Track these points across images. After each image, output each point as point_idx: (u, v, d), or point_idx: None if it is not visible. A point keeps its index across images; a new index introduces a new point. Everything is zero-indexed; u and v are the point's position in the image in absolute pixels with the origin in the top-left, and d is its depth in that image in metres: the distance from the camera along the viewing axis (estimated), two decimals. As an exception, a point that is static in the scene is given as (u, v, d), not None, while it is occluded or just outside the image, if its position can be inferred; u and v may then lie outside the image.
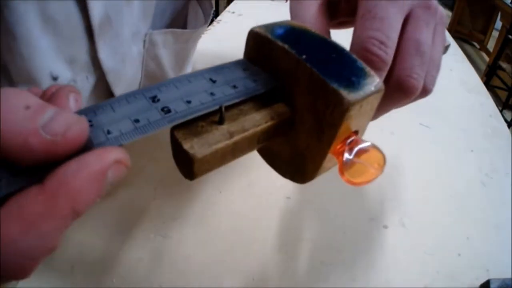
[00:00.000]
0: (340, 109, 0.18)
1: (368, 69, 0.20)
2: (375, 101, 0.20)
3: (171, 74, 0.49)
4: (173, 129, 0.18)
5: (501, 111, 1.92)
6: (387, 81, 0.22)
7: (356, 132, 0.21)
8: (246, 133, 0.19)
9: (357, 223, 0.42)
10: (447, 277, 0.37)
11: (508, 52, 2.40)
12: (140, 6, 0.36)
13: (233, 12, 0.87)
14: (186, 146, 0.18)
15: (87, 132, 0.15)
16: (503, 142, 0.56)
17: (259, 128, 0.19)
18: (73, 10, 0.30)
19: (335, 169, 0.21)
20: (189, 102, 0.18)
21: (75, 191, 0.14)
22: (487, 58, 2.80)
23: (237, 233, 0.40)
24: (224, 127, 0.19)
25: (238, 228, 0.40)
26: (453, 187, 0.47)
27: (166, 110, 0.17)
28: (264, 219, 0.41)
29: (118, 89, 0.38)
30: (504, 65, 2.35)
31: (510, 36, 2.29)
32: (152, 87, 0.18)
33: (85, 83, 0.35)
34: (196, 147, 0.18)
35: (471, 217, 0.44)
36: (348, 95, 0.18)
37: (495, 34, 2.76)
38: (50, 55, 0.30)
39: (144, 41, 0.40)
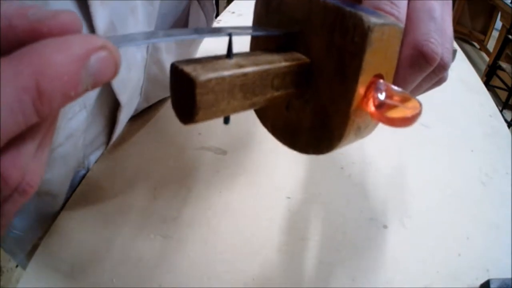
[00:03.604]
0: (361, 30, 0.17)
1: (382, 13, 0.19)
2: (396, 38, 0.19)
3: None
4: (173, 63, 0.16)
5: (501, 111, 1.92)
6: (403, 50, 0.23)
7: (381, 77, 0.19)
8: (258, 68, 0.17)
9: (357, 223, 0.42)
10: (447, 277, 0.37)
11: (508, 52, 2.40)
12: (144, 13, 0.36)
13: (233, 12, 0.87)
14: (188, 69, 0.15)
15: (79, 24, 0.13)
16: (503, 142, 0.56)
17: (273, 66, 0.18)
18: None
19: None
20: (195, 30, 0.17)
21: (45, 62, 0.11)
22: (487, 58, 2.80)
23: (237, 233, 0.40)
24: (233, 60, 0.17)
25: (238, 228, 0.40)
26: (453, 187, 0.47)
27: (168, 34, 0.16)
28: (264, 219, 0.41)
29: (123, 96, 0.38)
30: (504, 65, 2.35)
31: (510, 36, 2.29)
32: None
33: (90, 92, 0.35)
34: (200, 71, 0.15)
35: (471, 217, 0.44)
36: (368, 17, 0.17)
37: (495, 34, 2.76)
38: None
39: (148, 46, 0.40)
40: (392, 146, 0.52)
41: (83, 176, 0.44)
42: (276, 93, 0.19)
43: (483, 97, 0.66)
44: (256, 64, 0.17)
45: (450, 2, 0.26)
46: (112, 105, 0.40)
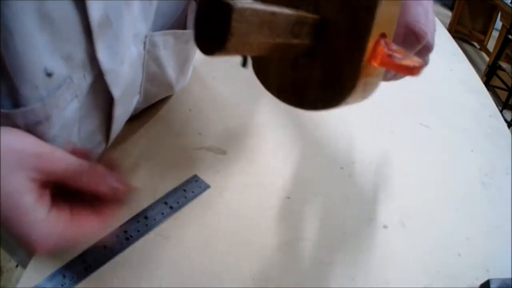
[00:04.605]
0: None
1: None
2: (398, 5, 0.22)
3: (172, 75, 0.49)
4: None
5: (501, 111, 1.92)
6: (399, 30, 0.26)
7: (385, 37, 0.22)
8: (284, 11, 0.19)
9: (357, 223, 0.42)
10: (447, 277, 0.37)
11: (508, 52, 2.40)
12: (140, 7, 0.36)
13: (233, 12, 0.87)
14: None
15: None
16: (503, 142, 0.56)
17: (295, 13, 0.20)
18: (70, 9, 0.30)
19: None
20: None
21: None
22: (487, 58, 2.80)
23: (237, 233, 0.40)
24: (261, 2, 0.19)
25: (238, 228, 0.40)
26: (453, 187, 0.47)
27: None
28: (264, 219, 0.41)
29: (117, 90, 0.38)
30: (504, 65, 2.35)
31: (510, 36, 2.29)
32: None
33: (82, 81, 0.35)
34: (236, 0, 0.17)
35: (471, 217, 0.44)
36: None
37: (495, 34, 2.76)
38: (46, 51, 0.30)
39: (145, 42, 0.39)
40: (392, 146, 0.52)
41: (83, 176, 0.44)
42: (294, 41, 0.21)
43: (483, 97, 0.66)
44: (283, 9, 0.19)
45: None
46: (107, 99, 0.40)
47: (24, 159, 0.26)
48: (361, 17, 0.20)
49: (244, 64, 0.21)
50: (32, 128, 0.33)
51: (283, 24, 0.19)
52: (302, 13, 0.21)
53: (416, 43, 0.27)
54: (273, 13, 0.18)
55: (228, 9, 0.16)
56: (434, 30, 0.29)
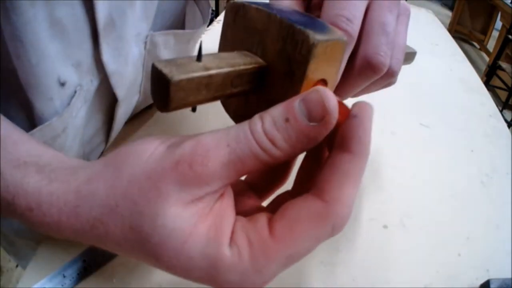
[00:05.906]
0: (307, 45, 0.21)
1: (333, 27, 0.23)
2: (340, 50, 0.23)
3: None
4: (154, 63, 0.20)
5: (501, 111, 1.92)
6: (355, 59, 0.26)
7: (324, 82, 0.23)
8: (221, 70, 0.21)
9: (357, 223, 0.42)
10: (447, 277, 0.37)
11: (508, 52, 2.40)
12: (142, 7, 0.35)
13: (233, 12, 0.87)
14: (166, 70, 0.19)
15: None
16: (503, 142, 0.56)
17: (233, 69, 0.22)
18: (79, 12, 0.30)
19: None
20: None
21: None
22: (487, 58, 2.81)
23: (237, 233, 0.40)
24: (201, 63, 0.21)
25: (238, 228, 0.40)
26: (453, 187, 0.47)
27: None
28: (264, 219, 0.41)
29: (120, 91, 0.38)
30: (504, 65, 2.35)
31: (510, 36, 2.30)
32: None
33: (90, 86, 0.35)
34: (175, 72, 0.19)
35: (471, 217, 0.44)
36: (314, 34, 0.21)
37: (495, 34, 2.77)
38: (58, 60, 0.30)
39: (145, 42, 0.39)
40: (392, 146, 0.52)
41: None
42: (234, 90, 0.22)
43: (483, 97, 0.66)
44: (220, 68, 0.21)
45: (408, 14, 0.28)
46: (110, 100, 0.40)
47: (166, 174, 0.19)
48: (295, 69, 0.22)
49: (193, 110, 0.23)
50: (50, 144, 0.32)
51: (220, 82, 0.21)
52: (242, 66, 0.22)
53: (372, 75, 0.26)
54: (210, 76, 0.20)
55: (167, 81, 0.19)
56: (402, 55, 0.28)
